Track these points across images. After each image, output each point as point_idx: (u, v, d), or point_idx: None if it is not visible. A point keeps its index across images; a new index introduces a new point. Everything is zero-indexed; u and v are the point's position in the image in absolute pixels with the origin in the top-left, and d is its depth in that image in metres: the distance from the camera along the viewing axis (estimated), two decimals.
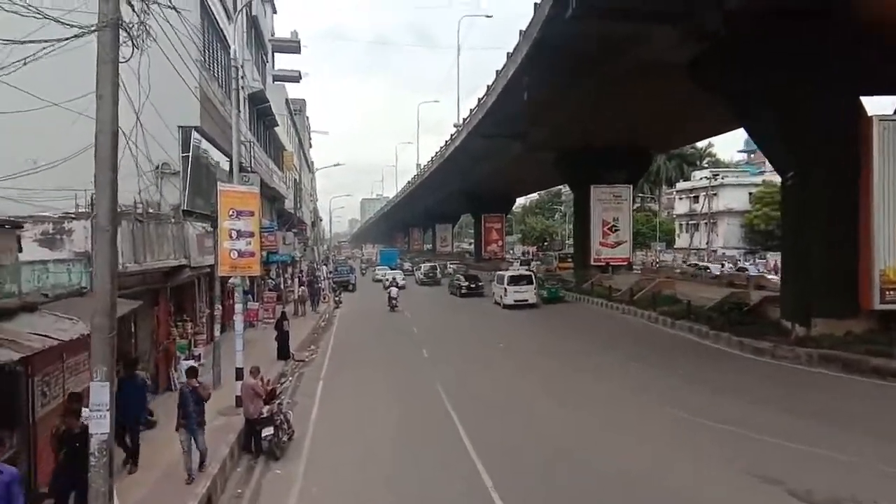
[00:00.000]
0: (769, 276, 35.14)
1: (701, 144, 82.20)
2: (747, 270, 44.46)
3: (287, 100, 42.66)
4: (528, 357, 20.42)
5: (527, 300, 33.51)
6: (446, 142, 56.52)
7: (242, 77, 16.37)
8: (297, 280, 35.24)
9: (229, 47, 13.99)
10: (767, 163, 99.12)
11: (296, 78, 56.36)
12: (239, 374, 13.57)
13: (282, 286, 36.27)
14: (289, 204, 38.92)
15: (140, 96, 9.20)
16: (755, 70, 18.31)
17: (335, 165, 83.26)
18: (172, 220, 14.64)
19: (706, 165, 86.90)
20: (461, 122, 44.79)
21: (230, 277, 13.69)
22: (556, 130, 37.73)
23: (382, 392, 16.17)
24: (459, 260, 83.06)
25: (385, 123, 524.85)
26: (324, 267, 59.69)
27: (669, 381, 16.23)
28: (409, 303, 37.51)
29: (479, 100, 39.90)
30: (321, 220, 76.71)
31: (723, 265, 50.82)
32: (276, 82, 43.63)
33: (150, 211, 14.52)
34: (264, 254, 29.55)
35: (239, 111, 15.31)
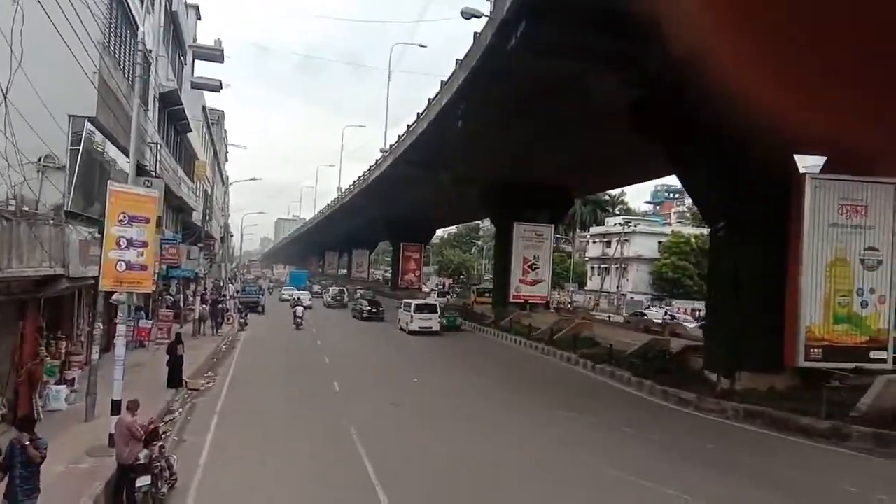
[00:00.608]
0: (685, 324, 35.64)
1: (614, 192, 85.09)
2: (675, 318, 44.77)
3: (204, 107, 40.19)
4: (448, 397, 19.10)
5: (430, 327, 35.56)
6: (370, 167, 55.23)
7: (151, 69, 14.54)
8: (199, 298, 32.54)
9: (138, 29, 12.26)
10: (672, 215, 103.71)
11: (216, 87, 53.29)
12: (116, 407, 11.46)
13: (181, 304, 33.43)
14: (197, 216, 36.24)
15: (11, 65, 7.38)
16: (694, 118, 18.21)
17: (251, 180, 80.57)
18: (51, 222, 12.47)
19: (618, 213, 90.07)
20: (388, 147, 43.64)
21: (113, 293, 11.65)
22: (484, 164, 37.30)
23: (287, 432, 14.35)
24: (375, 287, 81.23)
25: (307, 145, 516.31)
26: (230, 286, 56.40)
27: (604, 434, 15.33)
28: (317, 325, 38.67)
29: (409, 126, 39.02)
30: (232, 237, 73.03)
31: (666, 313, 51.28)
32: (194, 89, 41.11)
33: (25, 209, 12.34)
34: (163, 268, 27.04)
35: (143, 105, 13.47)
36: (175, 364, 17.64)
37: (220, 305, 31.74)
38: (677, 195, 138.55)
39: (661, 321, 37.94)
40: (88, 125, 13.91)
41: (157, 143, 19.97)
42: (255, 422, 15.19)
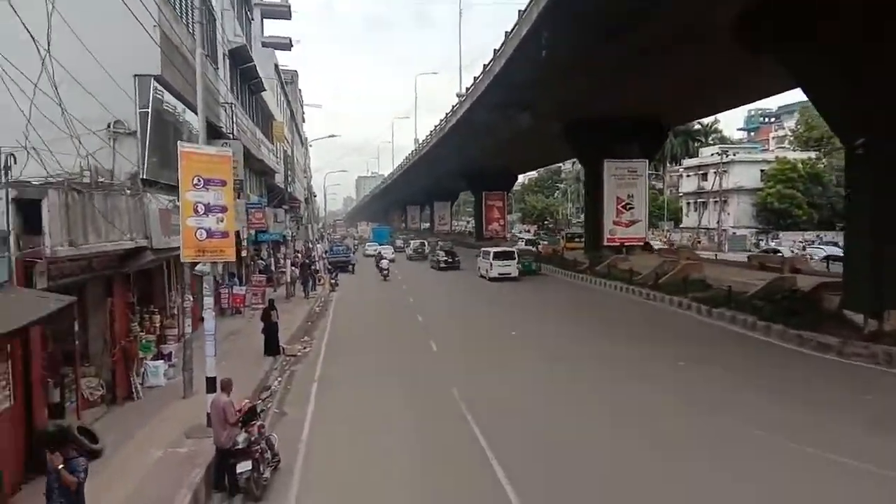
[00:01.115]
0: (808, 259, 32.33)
1: (706, 121, 79.18)
2: (780, 252, 41.25)
3: (277, 66, 39.43)
4: (554, 354, 17.64)
5: (510, 273, 36.50)
6: (446, 114, 53.41)
7: (217, 25, 13.41)
8: (289, 261, 32.37)
9: None
10: (771, 141, 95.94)
11: (286, 45, 52.75)
12: (211, 384, 10.76)
13: (273, 267, 33.46)
14: (280, 179, 35.91)
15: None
16: (818, 26, 15.42)
17: (329, 137, 79.46)
18: (127, 192, 11.73)
19: (712, 142, 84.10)
20: (464, 91, 41.61)
21: (197, 263, 10.80)
22: (567, 100, 34.78)
23: (390, 401, 13.40)
24: (459, 238, 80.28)
25: (380, 101, 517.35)
26: (318, 246, 56.83)
27: (745, 393, 13.17)
28: (404, 277, 40.09)
29: (485, 66, 36.84)
30: (315, 197, 73.68)
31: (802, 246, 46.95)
32: (265, 48, 40.44)
33: (101, 180, 11.65)
34: (252, 232, 26.78)
35: (213, 63, 12.39)
36: (270, 331, 17.08)
37: (312, 268, 31.29)
38: (773, 119, 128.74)
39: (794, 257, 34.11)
40: (155, 84, 13.02)
41: (230, 104, 19.13)
42: (355, 389, 14.36)
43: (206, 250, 10.52)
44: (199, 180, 10.22)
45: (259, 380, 14.61)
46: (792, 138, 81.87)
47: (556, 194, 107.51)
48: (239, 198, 22.80)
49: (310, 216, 56.93)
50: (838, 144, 71.06)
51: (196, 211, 10.26)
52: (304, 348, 18.93)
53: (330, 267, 42.28)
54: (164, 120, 14.10)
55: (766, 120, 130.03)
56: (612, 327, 21.41)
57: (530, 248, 52.45)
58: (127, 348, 12.67)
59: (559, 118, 38.63)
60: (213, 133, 18.92)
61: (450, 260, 45.42)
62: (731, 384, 13.89)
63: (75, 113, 10.32)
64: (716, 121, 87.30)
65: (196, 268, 11.11)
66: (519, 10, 27.99)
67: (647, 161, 39.66)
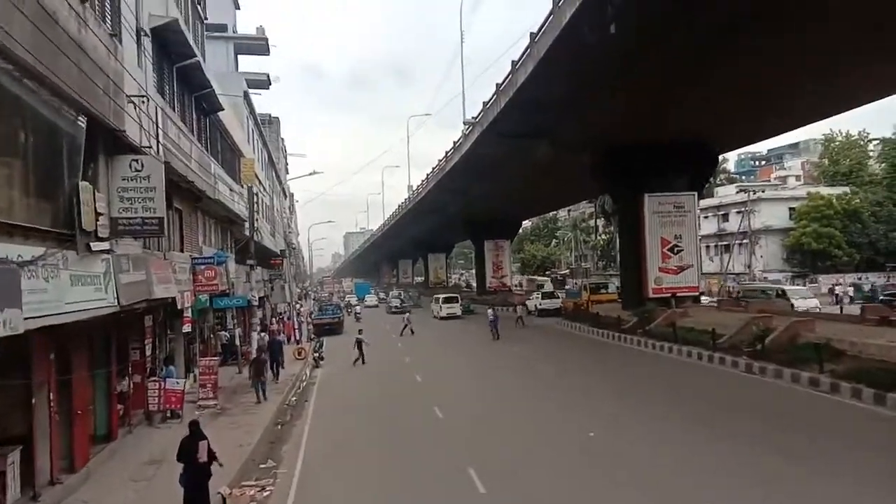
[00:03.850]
0: None
1: None
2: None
3: (247, 94, 32.86)
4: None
5: (455, 313, 47.32)
6: (446, 153, 47.06)
7: None
8: (254, 334, 25.15)
9: None
10: (774, 178, 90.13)
11: (264, 82, 46.85)
12: None
13: (237, 341, 26.01)
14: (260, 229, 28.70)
15: None
16: None
17: (312, 174, 73.19)
18: None
19: (722, 182, 78.62)
20: (473, 118, 35.21)
21: None
22: (599, 122, 28.47)
23: None
24: (458, 292, 73.05)
25: (366, 159, 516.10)
26: (300, 306, 49.54)
27: None
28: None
29: (498, 86, 30.52)
30: (291, 249, 67.42)
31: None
32: (235, 76, 34.15)
33: None
34: (202, 298, 19.58)
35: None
36: (196, 478, 9.66)
37: (261, 357, 20.43)
38: (764, 162, 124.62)
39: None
40: None
41: (142, 96, 12.18)
42: None
43: None
44: None
45: None
46: (815, 174, 76.44)
47: (552, 243, 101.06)
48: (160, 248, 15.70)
49: (288, 274, 49.56)
50: (867, 177, 66.56)
51: None
52: (263, 490, 11.46)
53: (313, 335, 34.90)
54: None
55: (758, 164, 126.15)
56: (764, 442, 12.38)
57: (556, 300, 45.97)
58: None
59: (585, 147, 32.26)
60: (115, 145, 11.95)
61: (402, 304, 58.69)
62: None
63: None
64: (724, 160, 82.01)
65: None
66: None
67: (695, 194, 33.07)
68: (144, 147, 12.52)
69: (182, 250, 18.75)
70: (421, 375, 22.70)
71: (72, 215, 9.95)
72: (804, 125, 30.57)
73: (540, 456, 12.31)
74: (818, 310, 29.14)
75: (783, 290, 33.58)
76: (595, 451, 12.42)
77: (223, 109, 22.18)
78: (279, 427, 16.25)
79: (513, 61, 27.33)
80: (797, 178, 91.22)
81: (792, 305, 29.85)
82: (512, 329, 35.16)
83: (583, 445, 12.81)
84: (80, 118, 9.99)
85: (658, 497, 9.85)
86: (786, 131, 32.96)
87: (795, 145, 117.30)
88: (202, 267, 19.09)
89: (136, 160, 11.88)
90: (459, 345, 33.19)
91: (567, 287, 58.99)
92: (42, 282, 8.78)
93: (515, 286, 73.35)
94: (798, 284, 51.73)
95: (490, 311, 35.79)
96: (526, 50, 25.04)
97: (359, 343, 26.43)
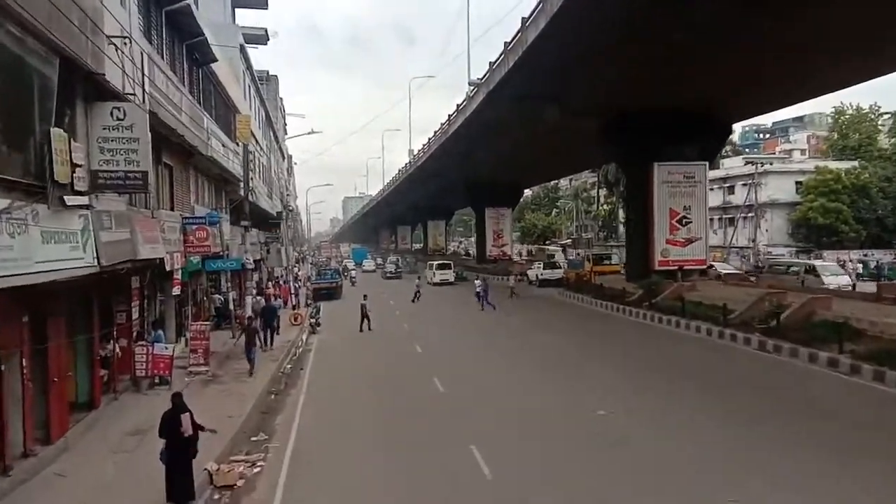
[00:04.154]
0: None
1: None
2: None
3: (243, 47, 31.50)
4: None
5: (448, 279, 48.77)
6: (449, 116, 45.66)
7: None
8: (248, 298, 24.32)
9: None
10: (779, 151, 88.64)
11: (262, 37, 45.20)
12: None
13: (232, 305, 25.25)
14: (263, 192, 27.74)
15: None
16: None
17: (310, 133, 71.77)
18: None
19: (727, 154, 77.29)
20: (478, 79, 33.90)
21: None
22: (610, 87, 27.33)
23: None
24: (455, 260, 72.22)
25: (366, 122, 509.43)
26: (297, 270, 48.76)
27: None
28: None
29: (506, 44, 29.09)
30: (290, 212, 66.82)
31: None
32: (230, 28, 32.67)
33: None
34: (193, 259, 18.71)
35: None
36: (179, 456, 8.90)
37: (252, 325, 19.18)
38: (769, 136, 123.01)
39: None
40: None
41: (125, 37, 11.10)
42: None
43: None
44: None
45: None
46: (823, 147, 75.07)
47: (552, 212, 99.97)
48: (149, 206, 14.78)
49: (285, 236, 48.66)
50: (876, 152, 65.32)
51: None
52: (253, 466, 10.74)
53: (310, 300, 34.16)
54: None
55: (762, 137, 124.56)
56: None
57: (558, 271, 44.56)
58: None
59: (594, 112, 31.11)
60: (98, 91, 10.93)
61: (396, 270, 60.54)
62: None
63: None
64: (730, 130, 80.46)
65: None
66: None
67: (706, 164, 32.02)
68: (128, 94, 11.48)
69: (172, 209, 17.82)
70: (420, 345, 21.98)
71: (42, 165, 8.99)
72: (826, 94, 29.38)
73: (546, 435, 11.58)
74: (850, 288, 28.00)
75: (813, 266, 31.62)
76: (605, 433, 11.66)
77: (217, 61, 21.02)
78: (273, 396, 15.53)
79: (523, 18, 25.99)
80: (802, 151, 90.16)
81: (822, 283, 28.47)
82: (504, 301, 33.92)
83: (590, 427, 12.05)
84: (51, 57, 8.94)
85: (675, 483, 9.12)
86: (786, 105, 31.85)
87: (801, 118, 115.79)
88: (193, 227, 18.18)
89: (118, 108, 10.88)
90: (456, 311, 32.45)
91: (570, 258, 58.17)
92: (6, 237, 7.90)
93: (517, 255, 72.50)
94: (811, 259, 51.05)
95: (478, 280, 34.18)
96: (538, 5, 23.70)
97: (363, 309, 25.86)
